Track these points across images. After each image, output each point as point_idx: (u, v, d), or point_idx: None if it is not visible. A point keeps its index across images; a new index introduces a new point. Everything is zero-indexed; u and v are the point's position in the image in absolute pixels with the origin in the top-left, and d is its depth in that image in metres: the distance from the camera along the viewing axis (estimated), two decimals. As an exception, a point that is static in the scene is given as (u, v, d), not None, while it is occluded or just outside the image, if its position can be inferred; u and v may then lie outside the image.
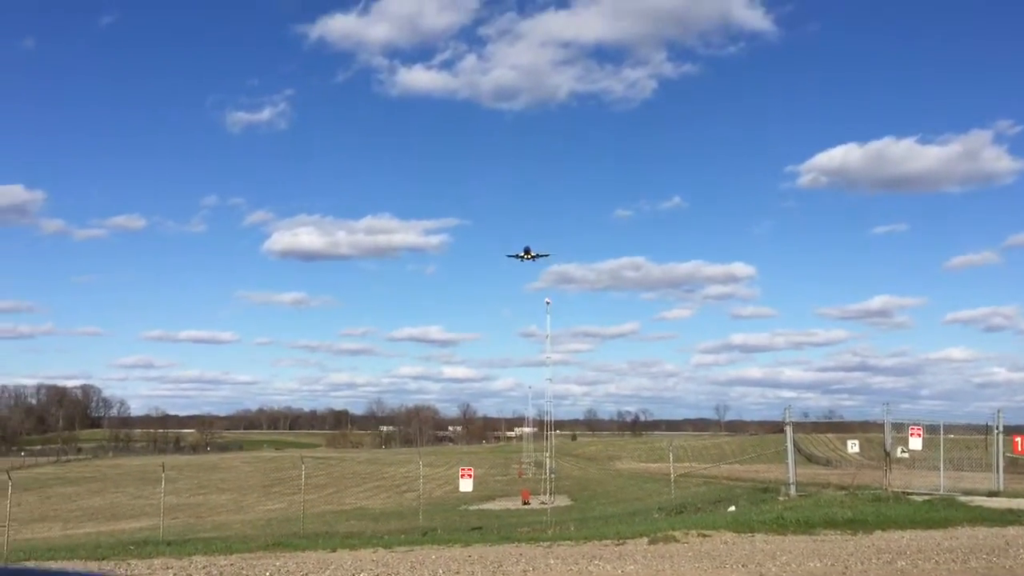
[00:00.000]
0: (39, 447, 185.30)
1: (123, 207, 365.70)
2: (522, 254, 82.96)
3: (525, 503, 56.09)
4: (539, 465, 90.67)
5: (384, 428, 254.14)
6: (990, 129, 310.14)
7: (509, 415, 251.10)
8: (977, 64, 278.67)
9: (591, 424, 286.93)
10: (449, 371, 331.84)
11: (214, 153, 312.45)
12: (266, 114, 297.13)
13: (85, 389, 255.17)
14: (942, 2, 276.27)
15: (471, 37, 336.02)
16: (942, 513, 22.75)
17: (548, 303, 56.39)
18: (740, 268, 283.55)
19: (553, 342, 54.66)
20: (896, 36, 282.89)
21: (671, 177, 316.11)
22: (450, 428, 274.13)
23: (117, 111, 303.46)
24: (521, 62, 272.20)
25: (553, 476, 63.45)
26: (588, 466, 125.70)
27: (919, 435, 28.71)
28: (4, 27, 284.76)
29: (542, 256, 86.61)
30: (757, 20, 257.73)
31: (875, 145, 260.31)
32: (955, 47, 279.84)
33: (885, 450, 29.37)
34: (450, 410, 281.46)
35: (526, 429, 67.05)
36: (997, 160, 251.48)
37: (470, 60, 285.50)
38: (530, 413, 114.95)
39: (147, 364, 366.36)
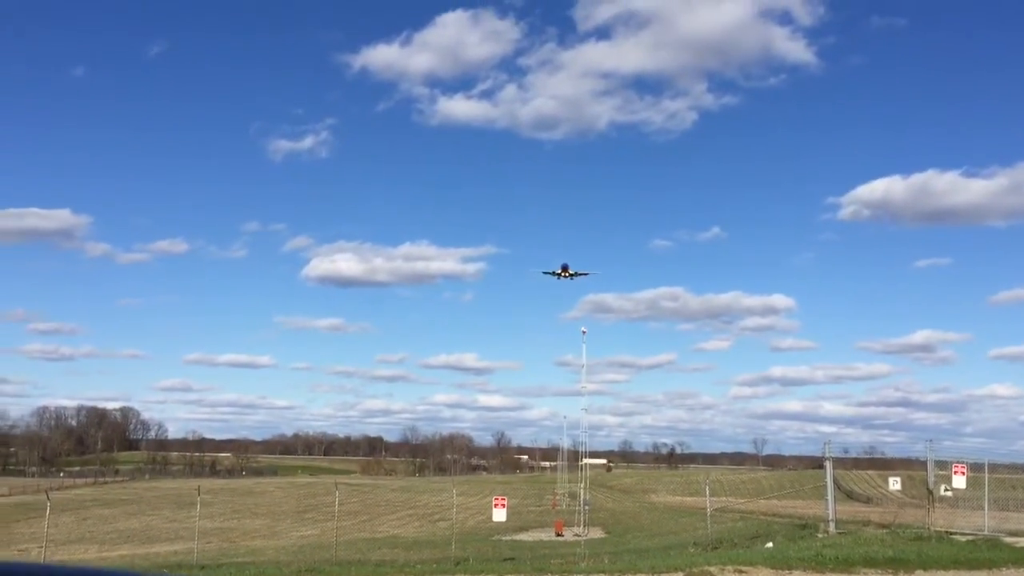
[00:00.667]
0: (78, 468, 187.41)
1: (167, 232, 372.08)
2: (559, 271, 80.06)
3: (559, 535, 55.59)
4: (573, 496, 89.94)
5: (417, 459, 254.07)
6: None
7: (544, 445, 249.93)
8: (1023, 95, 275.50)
9: (626, 455, 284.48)
10: (484, 399, 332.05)
11: (256, 180, 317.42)
12: (308, 142, 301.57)
13: (124, 411, 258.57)
14: (988, 35, 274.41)
15: (511, 67, 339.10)
16: (986, 554, 22.16)
17: (584, 332, 56.05)
18: (779, 300, 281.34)
19: (589, 372, 54.48)
20: (941, 68, 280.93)
21: (710, 208, 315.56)
22: (479, 458, 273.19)
23: (163, 138, 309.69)
24: (561, 92, 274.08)
25: (587, 508, 62.87)
26: (623, 498, 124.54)
27: (963, 473, 28.08)
28: (56, 56, 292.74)
29: (581, 275, 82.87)
30: (799, 52, 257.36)
31: (919, 178, 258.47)
32: (1001, 79, 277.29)
33: (928, 488, 28.75)
34: (484, 439, 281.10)
35: (587, 461, 66.52)
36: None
37: (510, 90, 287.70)
38: (565, 444, 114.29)
39: (185, 387, 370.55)
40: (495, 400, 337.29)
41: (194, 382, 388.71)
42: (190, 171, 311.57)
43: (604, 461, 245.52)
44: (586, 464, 66.88)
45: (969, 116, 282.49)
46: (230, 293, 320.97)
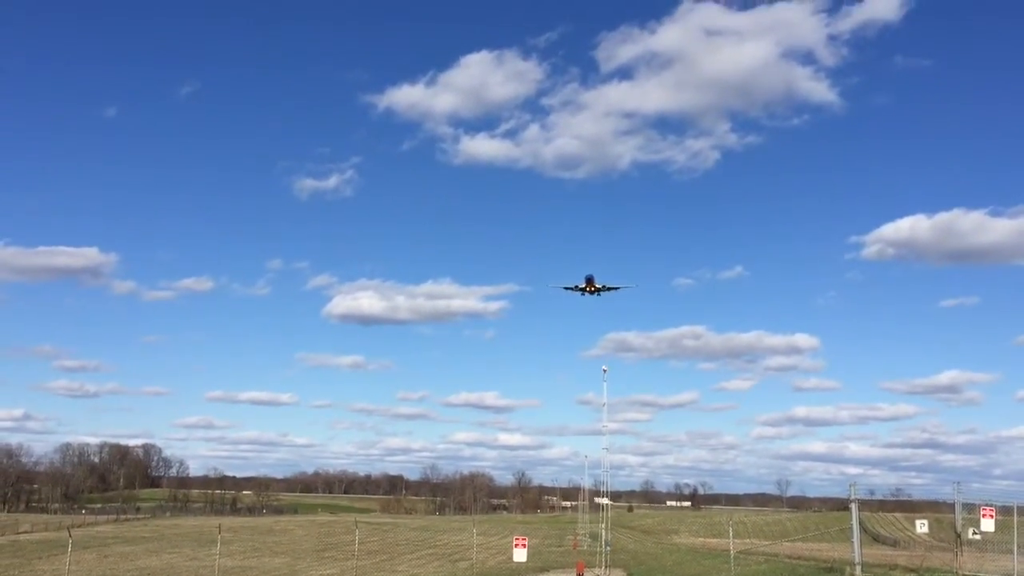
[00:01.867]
0: (100, 505, 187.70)
1: (192, 270, 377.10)
2: (583, 286, 74.49)
3: (580, 576, 55.00)
4: (594, 537, 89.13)
5: (438, 498, 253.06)
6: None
7: (564, 484, 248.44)
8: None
9: (648, 496, 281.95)
10: (504, 438, 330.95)
11: (281, 218, 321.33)
12: (333, 181, 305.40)
13: (146, 448, 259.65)
14: (1012, 75, 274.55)
15: (534, 107, 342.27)
16: (1017, 600, 21.74)
17: (605, 371, 55.81)
18: (803, 339, 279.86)
19: (610, 411, 54.02)
20: (966, 108, 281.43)
21: (733, 247, 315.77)
22: (499, 498, 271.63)
23: (191, 176, 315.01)
24: (584, 132, 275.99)
25: (608, 549, 62.25)
26: (644, 539, 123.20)
27: (992, 516, 27.65)
28: (89, 95, 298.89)
29: (610, 289, 76.52)
30: (822, 92, 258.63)
31: (944, 217, 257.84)
32: None
33: (956, 531, 28.33)
34: (505, 477, 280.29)
35: (604, 500, 66.20)
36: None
37: (533, 130, 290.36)
38: (586, 483, 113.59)
39: (208, 424, 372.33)
40: (515, 439, 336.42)
41: (216, 419, 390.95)
42: (216, 209, 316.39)
43: (607, 501, 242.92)
44: (607, 504, 66.28)
45: (995, 155, 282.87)
46: (253, 330, 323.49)
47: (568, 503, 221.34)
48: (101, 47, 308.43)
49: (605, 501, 65.40)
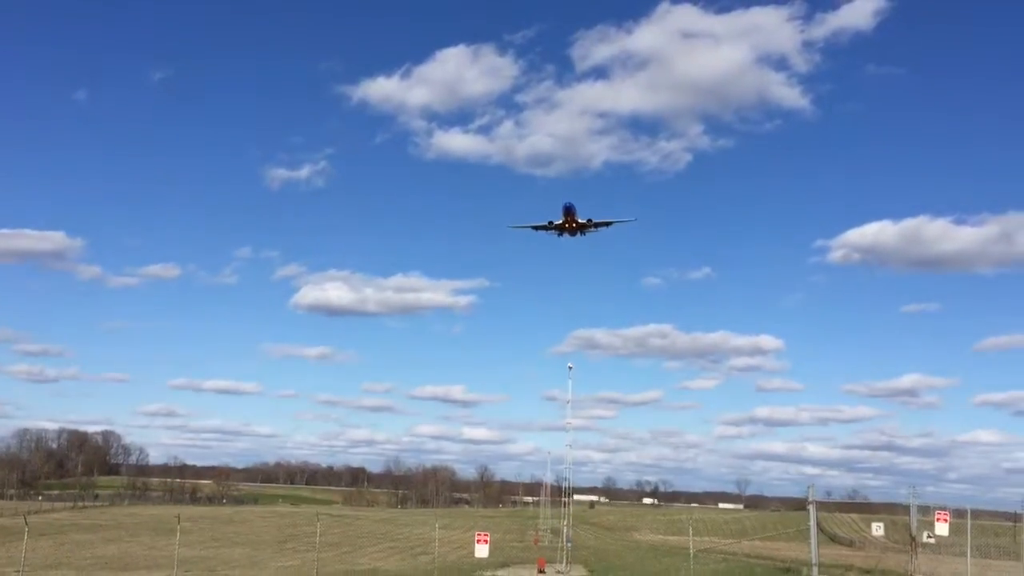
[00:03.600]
0: (57, 492, 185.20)
1: (159, 256, 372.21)
2: (560, 221, 61.79)
3: (540, 572, 55.25)
4: (556, 533, 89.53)
5: (400, 491, 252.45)
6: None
7: (527, 479, 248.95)
8: (1015, 144, 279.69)
9: (609, 492, 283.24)
10: (469, 432, 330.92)
11: (252, 207, 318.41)
12: (305, 171, 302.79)
13: (106, 435, 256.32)
14: (979, 85, 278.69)
15: (509, 103, 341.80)
16: (968, 603, 22.19)
17: (570, 368, 56.08)
18: (767, 341, 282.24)
19: (575, 407, 54.30)
20: (933, 116, 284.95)
21: (702, 248, 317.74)
22: (462, 492, 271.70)
23: (161, 163, 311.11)
24: (557, 130, 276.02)
25: (570, 545, 62.56)
26: (605, 536, 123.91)
27: (946, 520, 28.19)
28: (60, 79, 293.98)
29: (598, 226, 63.25)
30: (795, 98, 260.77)
31: (910, 223, 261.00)
32: (993, 128, 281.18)
33: (911, 534, 28.85)
34: (468, 472, 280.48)
35: (572, 498, 66.20)
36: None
37: (507, 126, 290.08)
38: (548, 479, 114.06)
39: (169, 412, 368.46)
40: (480, 433, 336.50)
41: (178, 407, 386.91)
42: (186, 196, 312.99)
43: (572, 498, 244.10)
44: (570, 501, 66.58)
45: (961, 163, 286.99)
46: (219, 319, 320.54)
47: (530, 498, 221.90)
48: (72, 29, 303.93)
49: (572, 498, 65.62)
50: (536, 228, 63.98)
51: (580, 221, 61.82)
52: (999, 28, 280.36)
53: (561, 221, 61.70)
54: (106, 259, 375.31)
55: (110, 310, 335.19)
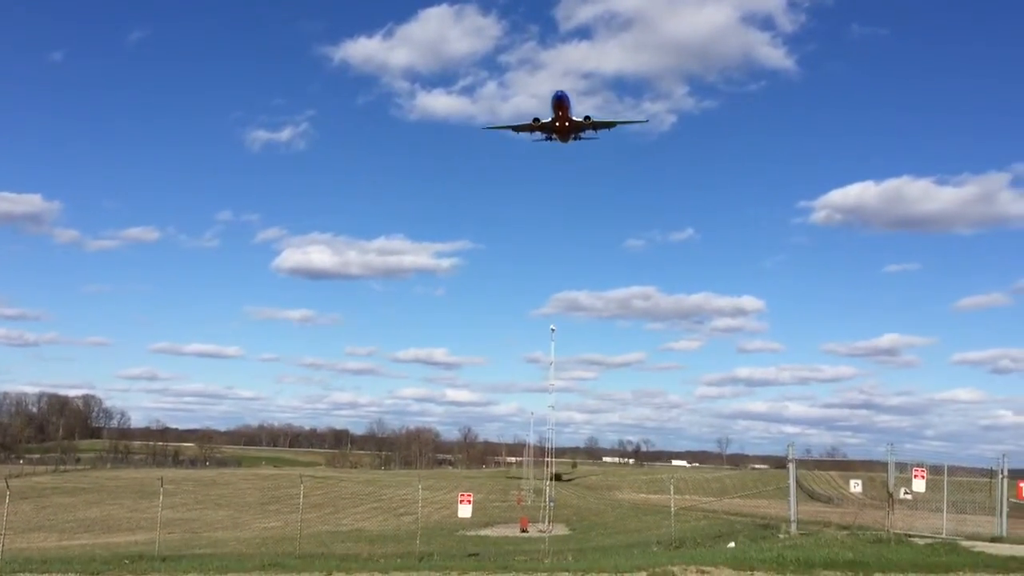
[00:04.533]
0: (38, 456, 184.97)
1: (138, 219, 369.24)
2: (550, 119, 53.18)
3: (523, 531, 55.71)
4: (538, 492, 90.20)
5: (383, 453, 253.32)
6: (1007, 172, 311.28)
7: (510, 440, 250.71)
8: (997, 106, 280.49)
9: (592, 452, 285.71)
10: (452, 394, 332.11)
11: (233, 169, 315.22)
12: (286, 133, 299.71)
13: (87, 399, 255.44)
14: (963, 47, 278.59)
15: (492, 64, 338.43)
16: (944, 558, 22.51)
17: (553, 330, 56.06)
18: (749, 302, 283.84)
19: (558, 369, 54.26)
20: (917, 77, 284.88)
21: (685, 209, 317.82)
22: (445, 453, 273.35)
23: (140, 125, 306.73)
24: (541, 91, 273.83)
25: (552, 505, 63.09)
26: (587, 495, 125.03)
27: (923, 477, 28.50)
28: (35, 40, 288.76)
29: (598, 128, 54.63)
30: (779, 59, 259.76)
31: (892, 183, 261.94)
32: (976, 89, 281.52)
33: (888, 491, 29.16)
34: (451, 433, 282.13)
35: (551, 460, 65.89)
36: (1012, 203, 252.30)
37: (490, 87, 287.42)
38: (531, 440, 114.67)
39: (151, 376, 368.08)
40: (463, 395, 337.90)
41: (160, 371, 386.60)
42: (165, 159, 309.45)
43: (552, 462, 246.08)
44: (552, 461, 66.99)
45: (943, 124, 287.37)
46: (200, 282, 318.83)
47: (513, 459, 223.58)
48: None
49: (554, 459, 66.02)
50: (518, 129, 55.54)
51: (574, 119, 53.12)
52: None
53: (550, 119, 53.11)
54: (84, 222, 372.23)
55: (89, 274, 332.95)
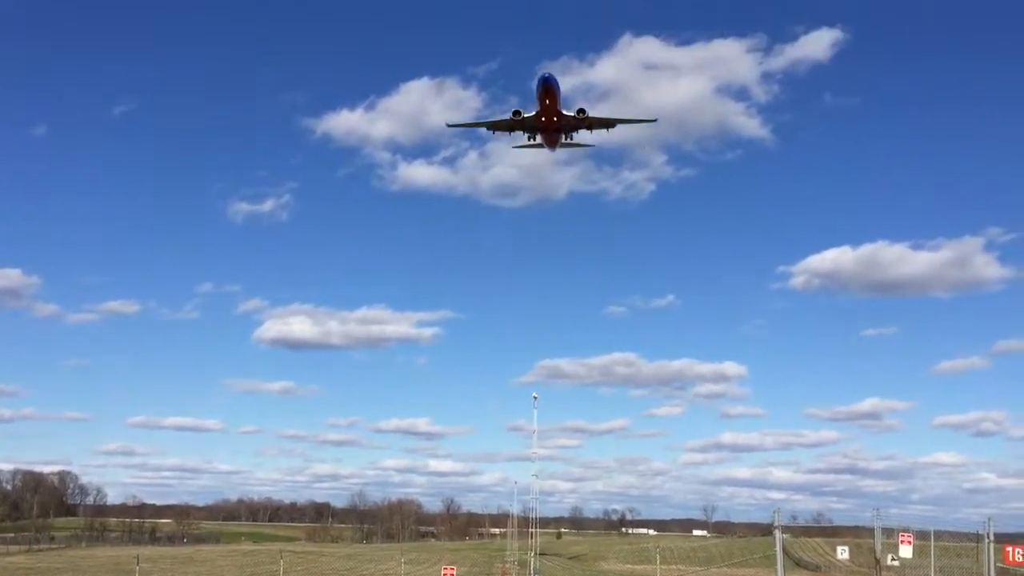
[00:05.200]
0: (12, 535, 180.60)
1: (118, 292, 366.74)
2: (535, 113, 44.33)
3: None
4: (523, 564, 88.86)
5: (365, 526, 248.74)
6: (981, 236, 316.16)
7: (494, 511, 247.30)
8: (969, 171, 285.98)
9: (576, 522, 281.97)
10: (435, 464, 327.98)
11: (215, 241, 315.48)
12: (269, 205, 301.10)
13: (62, 476, 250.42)
14: (933, 111, 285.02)
15: (473, 135, 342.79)
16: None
17: (535, 398, 56.09)
18: (731, 367, 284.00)
19: (541, 437, 54.16)
20: (889, 145, 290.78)
21: (665, 276, 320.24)
22: (428, 525, 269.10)
23: (122, 199, 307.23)
24: (521, 161, 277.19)
25: (537, 576, 62.13)
26: (573, 566, 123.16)
27: (910, 543, 28.37)
28: (19, 114, 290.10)
29: (594, 126, 46.15)
30: (754, 128, 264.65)
31: (868, 248, 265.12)
32: (947, 155, 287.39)
33: (875, 557, 28.97)
34: (434, 504, 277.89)
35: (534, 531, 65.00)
36: (987, 267, 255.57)
37: (471, 157, 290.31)
38: (515, 510, 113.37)
39: (128, 451, 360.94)
40: (446, 465, 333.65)
41: (137, 446, 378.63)
42: (147, 231, 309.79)
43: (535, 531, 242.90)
44: (537, 531, 66.15)
45: (917, 190, 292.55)
46: (180, 355, 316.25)
47: (497, 530, 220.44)
48: (33, 63, 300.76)
49: (538, 530, 65.26)
50: (492, 127, 46.73)
51: (565, 113, 44.66)
52: (949, 59, 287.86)
53: (536, 111, 44.39)
54: (64, 296, 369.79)
55: (68, 348, 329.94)
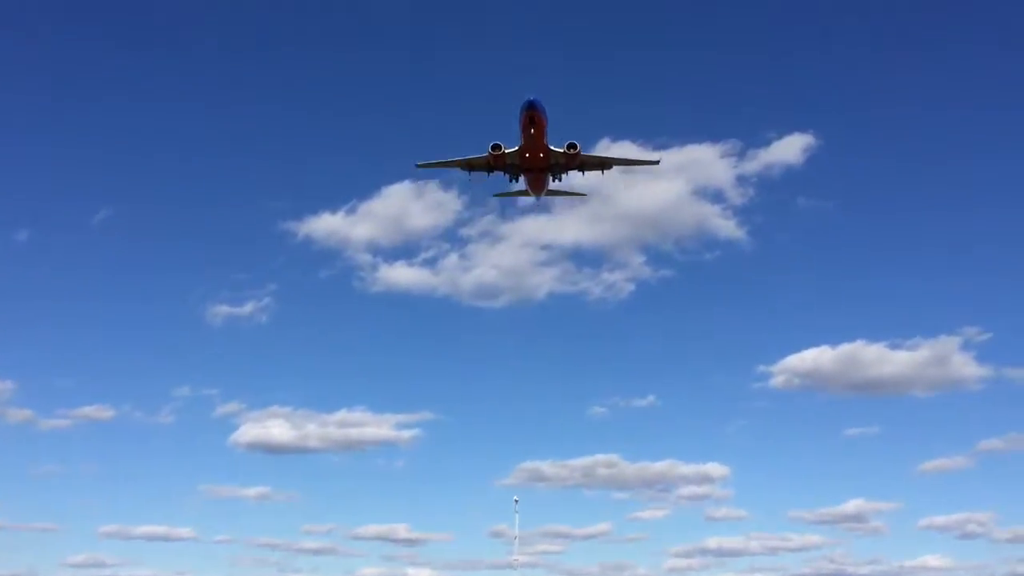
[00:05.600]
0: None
1: (93, 397, 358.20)
2: (517, 148, 37.78)
3: None
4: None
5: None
6: (958, 335, 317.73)
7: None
8: (943, 271, 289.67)
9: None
10: (414, 572, 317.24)
11: (193, 345, 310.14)
12: (249, 308, 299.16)
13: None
14: (910, 213, 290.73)
15: (453, 237, 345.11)
16: None
17: (516, 501, 55.22)
18: (714, 468, 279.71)
19: (523, 542, 53.03)
20: (865, 245, 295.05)
21: (646, 375, 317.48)
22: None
23: (98, 304, 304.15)
24: (502, 262, 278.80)
25: None
26: None
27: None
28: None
29: (586, 167, 40.65)
30: (731, 229, 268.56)
31: (847, 348, 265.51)
32: (922, 255, 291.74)
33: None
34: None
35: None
36: (965, 366, 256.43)
37: (452, 259, 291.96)
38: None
39: (98, 563, 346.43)
40: (425, 573, 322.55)
41: (107, 556, 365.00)
42: (124, 336, 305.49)
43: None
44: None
45: (894, 289, 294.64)
46: (154, 460, 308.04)
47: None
48: (19, 169, 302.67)
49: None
50: (469, 167, 40.31)
51: (553, 148, 37.88)
52: (919, 164, 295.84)
53: (519, 146, 37.44)
54: (38, 401, 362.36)
55: (40, 455, 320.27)
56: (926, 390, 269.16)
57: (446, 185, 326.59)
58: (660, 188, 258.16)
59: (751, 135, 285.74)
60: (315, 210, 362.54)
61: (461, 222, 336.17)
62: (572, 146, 37.74)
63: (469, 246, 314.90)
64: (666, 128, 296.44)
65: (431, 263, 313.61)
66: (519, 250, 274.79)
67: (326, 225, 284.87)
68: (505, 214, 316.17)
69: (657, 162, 52.10)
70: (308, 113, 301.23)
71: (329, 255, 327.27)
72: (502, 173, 40.37)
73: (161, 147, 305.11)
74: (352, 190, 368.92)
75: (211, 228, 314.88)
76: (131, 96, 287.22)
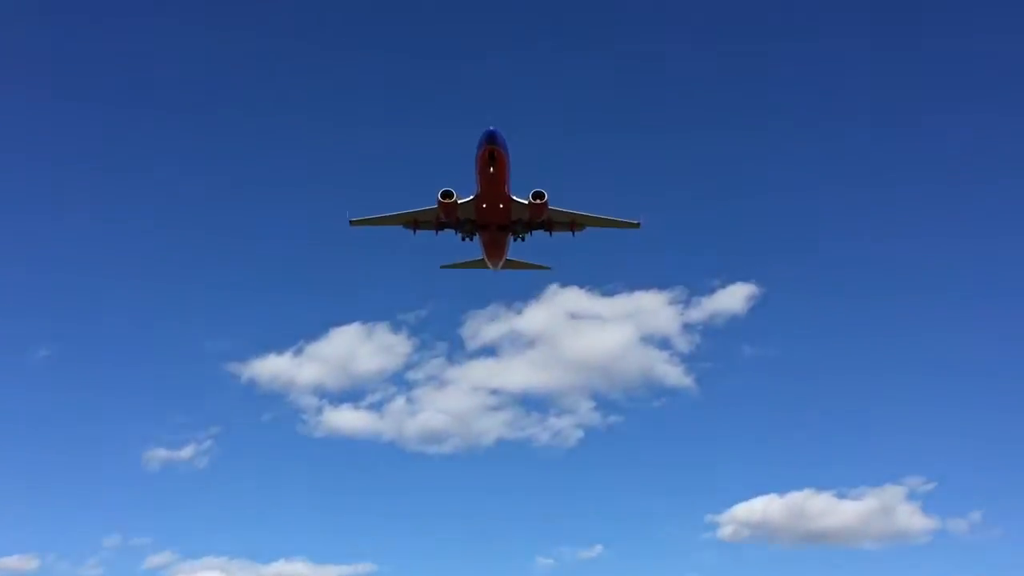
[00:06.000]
0: None
1: (16, 546, 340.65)
2: (472, 198, 33.33)
3: None
4: None
5: None
6: (902, 485, 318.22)
7: None
8: (886, 420, 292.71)
9: None
10: None
11: (126, 490, 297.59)
12: (188, 451, 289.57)
13: None
14: (848, 365, 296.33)
15: (400, 381, 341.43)
16: None
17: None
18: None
19: None
20: (809, 393, 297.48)
21: (593, 525, 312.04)
22: None
23: (31, 452, 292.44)
24: (449, 407, 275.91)
25: None
26: None
27: None
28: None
29: (554, 228, 35.72)
30: (678, 376, 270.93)
31: (795, 496, 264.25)
32: (863, 405, 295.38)
33: None
34: None
35: None
36: (911, 517, 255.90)
37: (398, 402, 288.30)
38: None
39: None
40: None
41: None
42: (53, 482, 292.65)
43: None
44: None
45: (838, 438, 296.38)
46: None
47: None
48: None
49: None
50: (415, 224, 33.69)
51: (516, 199, 32.42)
52: (859, 314, 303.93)
53: (475, 194, 31.52)
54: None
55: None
56: (875, 542, 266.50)
57: (395, 326, 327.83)
58: (608, 335, 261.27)
59: (696, 283, 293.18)
60: (260, 352, 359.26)
61: (409, 365, 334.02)
62: (539, 195, 33.12)
63: (415, 390, 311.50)
64: (615, 275, 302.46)
65: (377, 407, 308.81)
66: (467, 395, 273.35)
67: (272, 367, 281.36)
68: (453, 358, 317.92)
69: (638, 225, 47.46)
70: (259, 253, 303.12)
71: (273, 397, 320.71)
72: (454, 231, 33.39)
73: (106, 280, 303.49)
74: (300, 330, 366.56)
75: (152, 372, 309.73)
76: (71, 222, 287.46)
